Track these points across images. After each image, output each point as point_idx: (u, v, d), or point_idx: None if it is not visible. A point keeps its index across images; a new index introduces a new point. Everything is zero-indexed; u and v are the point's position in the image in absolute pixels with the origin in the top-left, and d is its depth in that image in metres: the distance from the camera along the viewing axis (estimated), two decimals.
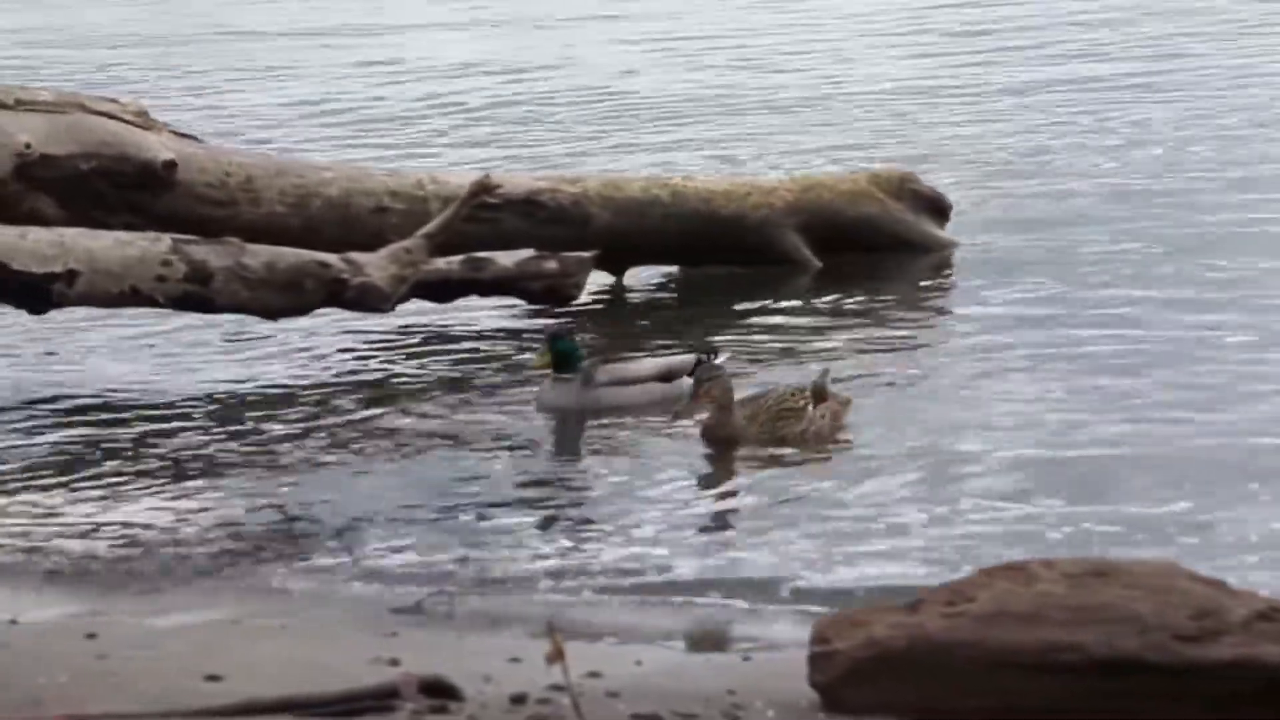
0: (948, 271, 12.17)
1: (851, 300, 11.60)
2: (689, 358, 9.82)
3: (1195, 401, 9.25)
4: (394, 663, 6.06)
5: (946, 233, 12.58)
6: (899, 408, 9.47)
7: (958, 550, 7.61)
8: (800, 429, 9.09)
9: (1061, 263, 11.81)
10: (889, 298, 11.66)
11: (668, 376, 9.84)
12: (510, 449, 9.29)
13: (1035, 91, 16.74)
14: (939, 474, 8.46)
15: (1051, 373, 9.82)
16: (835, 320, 11.29)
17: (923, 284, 11.97)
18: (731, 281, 12.12)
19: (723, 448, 9.07)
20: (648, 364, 10.05)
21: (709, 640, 7.05)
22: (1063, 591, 5.52)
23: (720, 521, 8.34)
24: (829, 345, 10.72)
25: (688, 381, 9.42)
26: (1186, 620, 5.29)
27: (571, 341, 9.81)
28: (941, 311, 11.49)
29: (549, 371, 9.73)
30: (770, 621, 7.10)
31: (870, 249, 12.37)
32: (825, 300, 11.67)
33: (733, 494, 8.60)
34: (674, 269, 12.44)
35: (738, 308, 11.61)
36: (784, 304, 11.66)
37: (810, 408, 9.14)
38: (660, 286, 12.34)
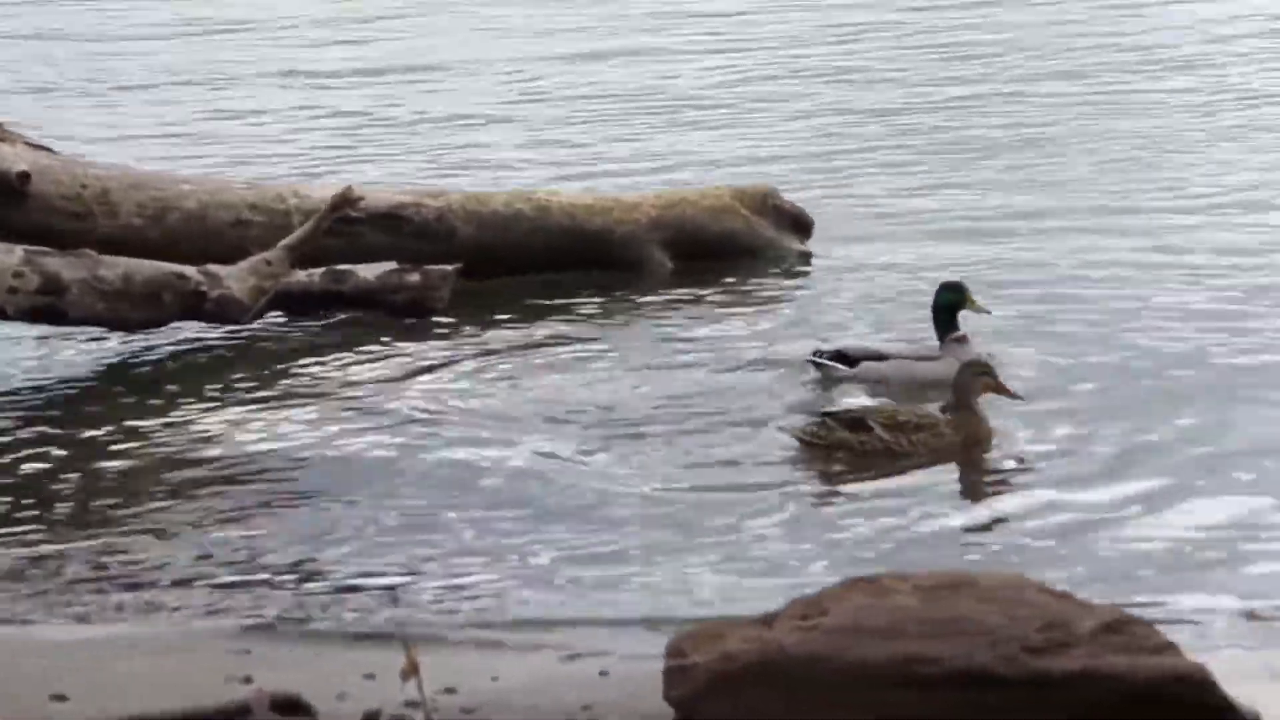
0: (801, 282, 12.25)
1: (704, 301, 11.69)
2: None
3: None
4: (247, 680, 6.00)
5: (807, 247, 12.66)
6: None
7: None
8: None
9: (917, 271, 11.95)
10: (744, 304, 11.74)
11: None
12: (362, 461, 9.22)
13: (906, 112, 16.89)
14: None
15: None
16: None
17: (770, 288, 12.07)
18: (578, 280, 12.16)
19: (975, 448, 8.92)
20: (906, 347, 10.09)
21: (568, 655, 7.02)
22: (916, 604, 5.54)
23: (577, 536, 8.33)
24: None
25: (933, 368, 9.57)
26: (1035, 632, 5.33)
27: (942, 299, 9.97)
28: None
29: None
30: (629, 635, 7.08)
31: (734, 261, 12.43)
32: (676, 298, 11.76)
33: (591, 509, 8.59)
34: None
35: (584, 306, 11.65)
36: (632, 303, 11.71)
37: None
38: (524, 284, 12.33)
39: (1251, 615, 6.96)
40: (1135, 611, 5.66)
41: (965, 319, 10.11)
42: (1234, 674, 5.55)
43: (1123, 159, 14.37)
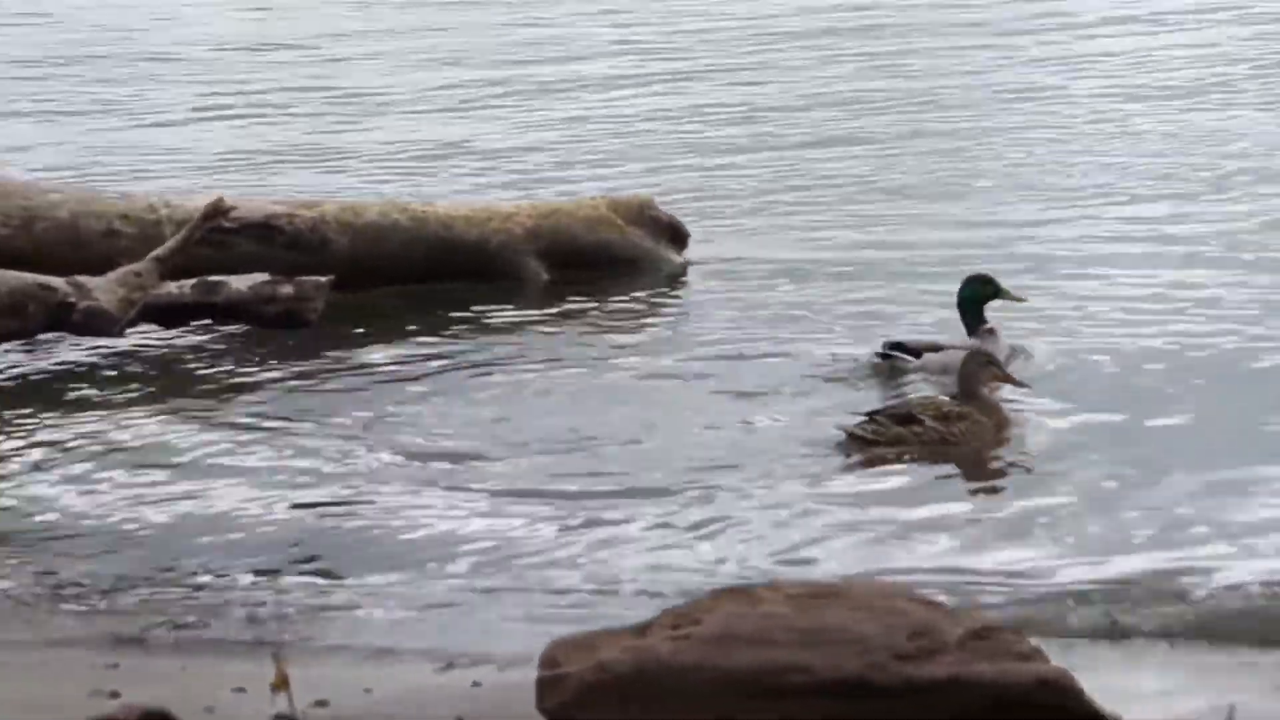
0: (678, 295, 12.29)
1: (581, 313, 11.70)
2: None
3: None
4: (114, 695, 5.93)
5: (685, 258, 12.69)
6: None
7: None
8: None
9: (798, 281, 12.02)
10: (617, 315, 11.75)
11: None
12: (231, 472, 9.14)
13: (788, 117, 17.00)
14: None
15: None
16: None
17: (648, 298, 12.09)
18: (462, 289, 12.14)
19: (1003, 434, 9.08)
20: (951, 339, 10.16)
21: (443, 665, 6.99)
22: (788, 613, 5.57)
23: (457, 540, 8.30)
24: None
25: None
26: (905, 640, 5.37)
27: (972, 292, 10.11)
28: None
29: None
30: (505, 643, 7.06)
31: (610, 272, 12.45)
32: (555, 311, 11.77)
33: (483, 514, 8.57)
34: None
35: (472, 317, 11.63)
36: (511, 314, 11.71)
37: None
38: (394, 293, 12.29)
39: (1113, 624, 7.05)
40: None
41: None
42: (1099, 678, 5.62)
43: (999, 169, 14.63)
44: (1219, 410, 9.23)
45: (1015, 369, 9.65)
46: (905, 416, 9.05)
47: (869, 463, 8.93)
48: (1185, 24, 20.24)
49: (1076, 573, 7.51)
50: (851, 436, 9.07)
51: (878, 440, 9.00)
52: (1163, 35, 19.86)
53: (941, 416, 9.04)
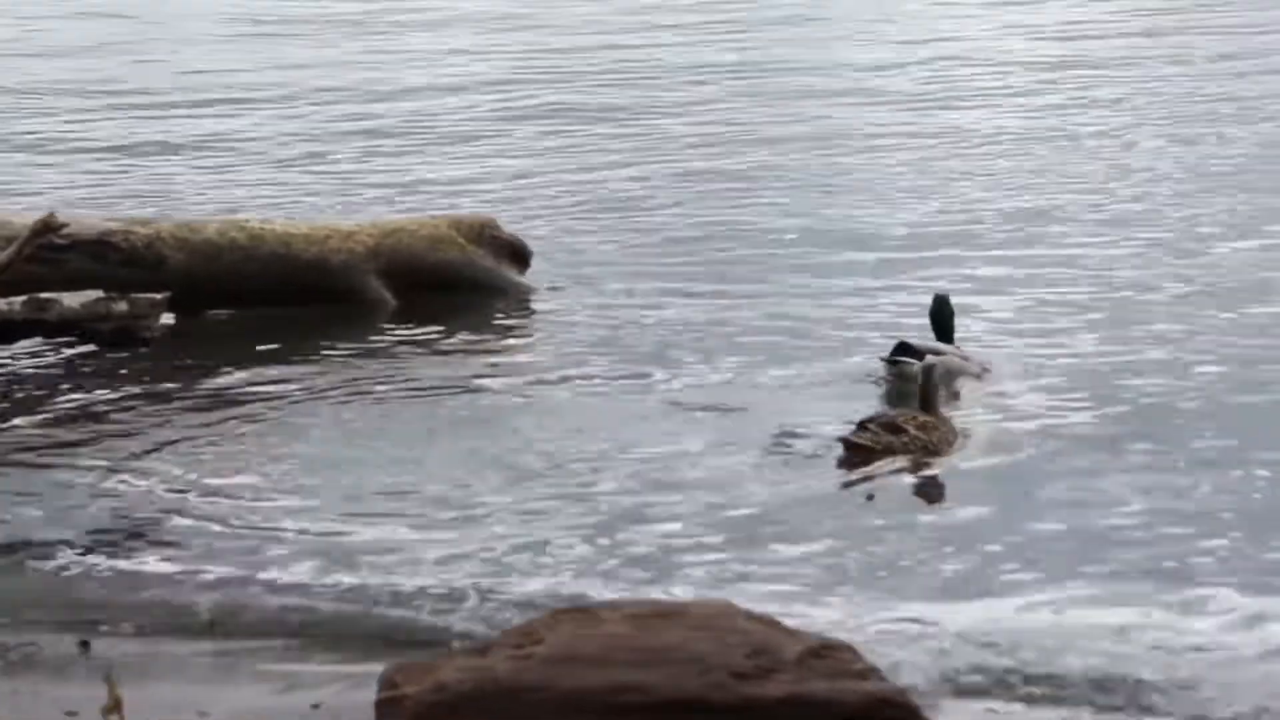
0: (523, 315, 12.29)
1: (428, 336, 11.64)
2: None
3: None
4: None
5: (526, 278, 12.69)
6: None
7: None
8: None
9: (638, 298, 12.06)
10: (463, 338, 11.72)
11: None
12: (59, 491, 9.01)
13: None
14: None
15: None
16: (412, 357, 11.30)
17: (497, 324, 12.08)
18: (305, 317, 12.03)
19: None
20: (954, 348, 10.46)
21: (285, 686, 6.92)
22: (628, 633, 5.58)
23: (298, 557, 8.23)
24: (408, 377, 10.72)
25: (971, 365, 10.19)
26: (743, 659, 5.40)
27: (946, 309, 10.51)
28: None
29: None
30: (351, 663, 7.01)
31: (451, 292, 12.42)
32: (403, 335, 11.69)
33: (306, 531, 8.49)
34: None
35: (316, 343, 11.54)
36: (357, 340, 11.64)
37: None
38: (229, 321, 12.14)
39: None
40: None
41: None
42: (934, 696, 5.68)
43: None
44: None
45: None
46: (891, 426, 9.23)
47: (851, 465, 9.07)
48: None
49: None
50: (852, 445, 9.16)
51: (875, 448, 9.13)
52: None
53: (920, 426, 9.25)
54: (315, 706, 6.54)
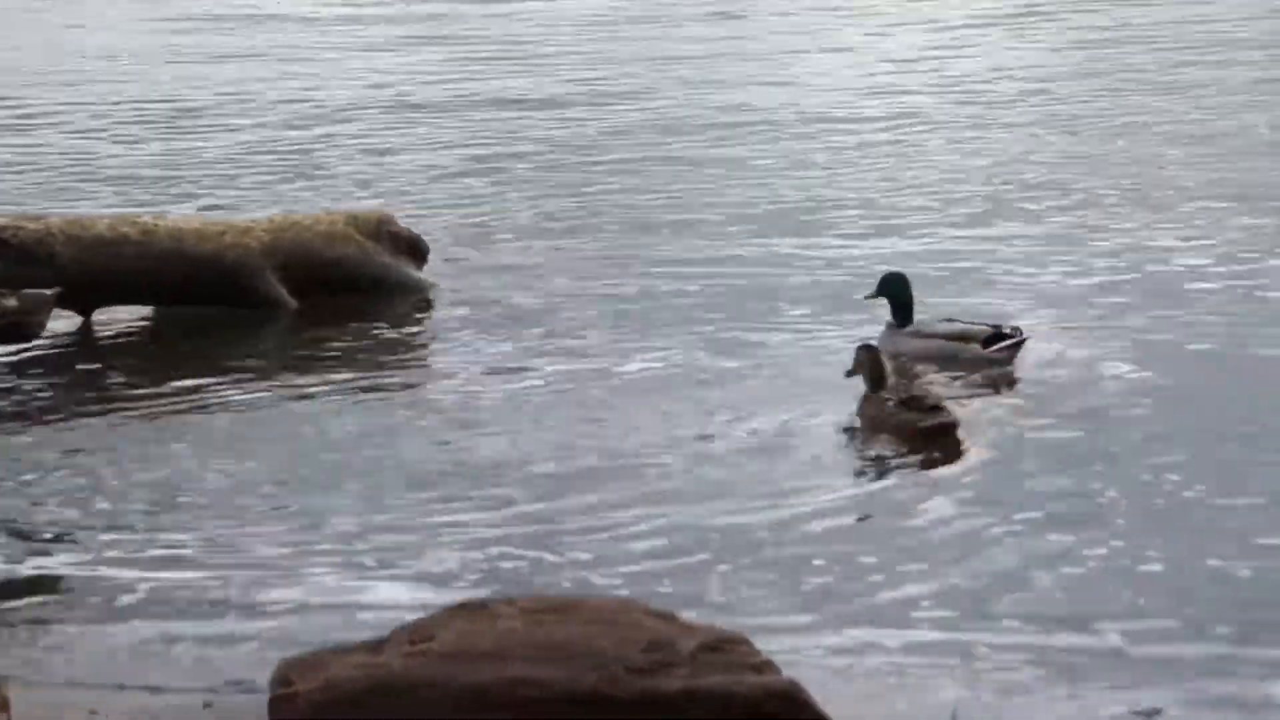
0: (424, 313, 12.23)
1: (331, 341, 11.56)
2: (983, 328, 10.56)
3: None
4: None
5: (425, 274, 12.63)
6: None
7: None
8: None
9: (541, 307, 12.02)
10: (367, 339, 11.64)
11: (961, 339, 10.52)
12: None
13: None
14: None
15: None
16: (315, 360, 11.22)
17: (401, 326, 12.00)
18: (208, 322, 11.93)
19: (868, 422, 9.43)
20: (945, 327, 10.66)
21: (175, 685, 6.85)
22: (523, 628, 5.57)
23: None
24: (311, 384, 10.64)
25: (975, 346, 10.41)
26: (639, 653, 5.40)
27: (902, 286, 10.67)
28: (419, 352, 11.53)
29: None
30: (236, 664, 6.95)
31: (348, 288, 12.34)
32: (307, 337, 11.61)
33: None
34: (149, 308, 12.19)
35: (215, 348, 11.43)
36: (262, 345, 11.53)
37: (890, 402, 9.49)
38: (130, 328, 12.02)
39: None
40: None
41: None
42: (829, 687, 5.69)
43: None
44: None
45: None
46: (925, 397, 9.47)
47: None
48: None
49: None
50: (941, 427, 9.23)
51: (955, 421, 9.31)
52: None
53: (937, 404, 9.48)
54: (207, 705, 6.48)
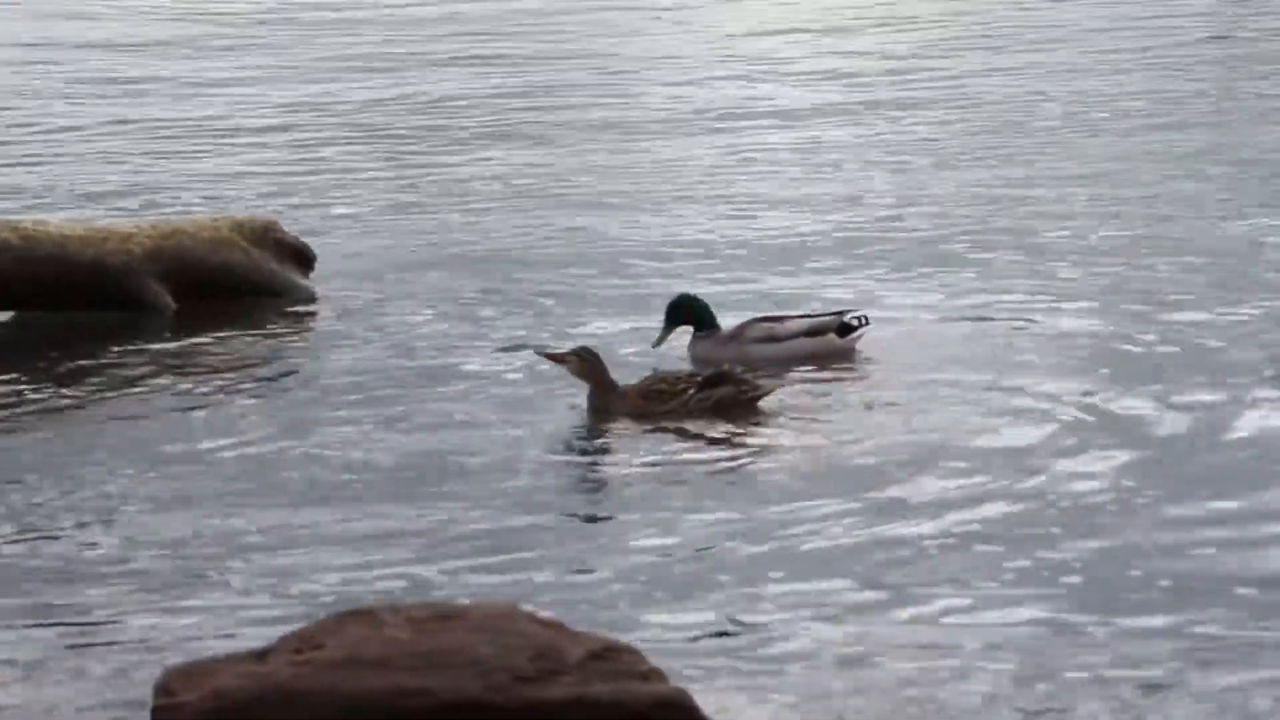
0: (308, 319, 12.18)
1: (209, 345, 11.49)
2: (833, 318, 10.66)
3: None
4: None
5: (309, 281, 12.58)
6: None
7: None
8: (663, 409, 9.71)
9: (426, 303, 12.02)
10: (245, 343, 11.57)
11: (814, 334, 10.56)
12: None
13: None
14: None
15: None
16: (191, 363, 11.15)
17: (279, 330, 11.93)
18: (84, 325, 11.82)
19: (602, 419, 9.72)
20: (795, 323, 10.63)
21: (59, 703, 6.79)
22: (409, 637, 5.57)
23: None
24: (184, 388, 10.57)
25: (833, 338, 10.52)
26: (526, 662, 5.41)
27: (696, 306, 10.65)
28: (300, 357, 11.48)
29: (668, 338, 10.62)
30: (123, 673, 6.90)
31: (233, 295, 12.26)
32: (183, 344, 11.52)
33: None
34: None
35: (92, 352, 11.33)
36: (140, 347, 11.45)
37: (690, 390, 9.74)
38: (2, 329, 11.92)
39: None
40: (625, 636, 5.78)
41: None
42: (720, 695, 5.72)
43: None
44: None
45: None
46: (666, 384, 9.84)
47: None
48: None
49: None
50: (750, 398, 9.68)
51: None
52: None
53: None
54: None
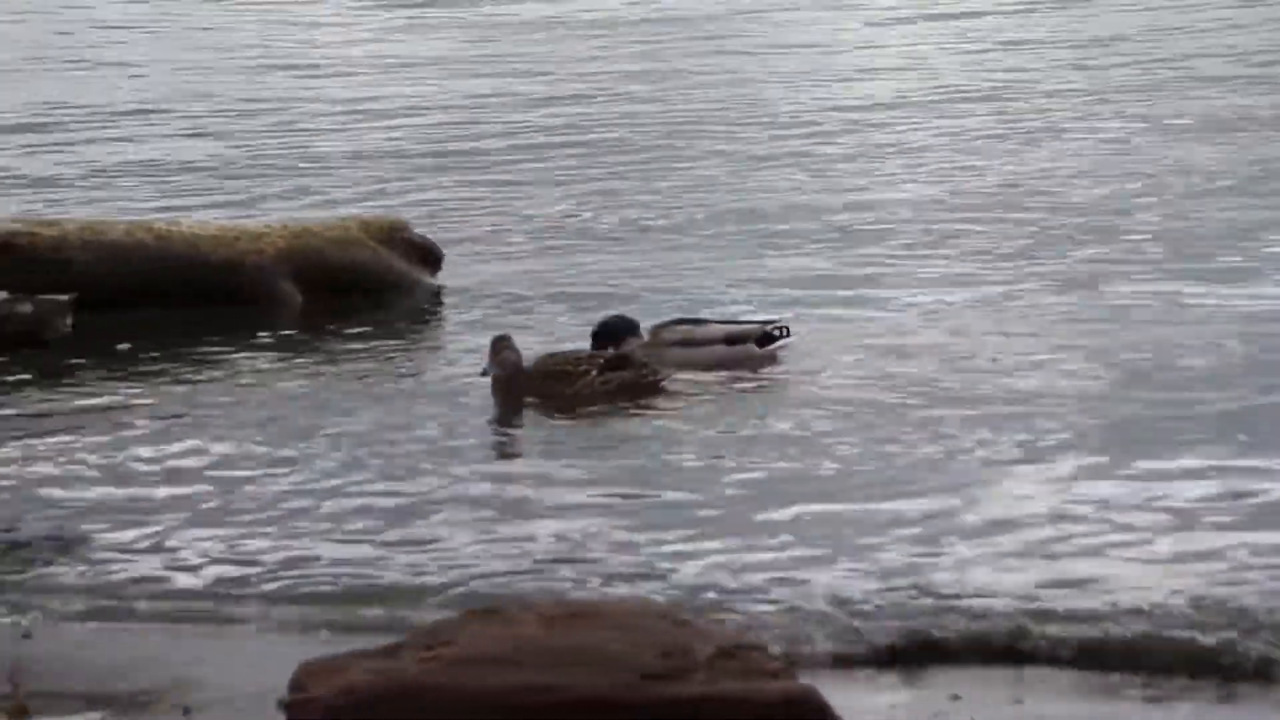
0: (435, 316, 12.25)
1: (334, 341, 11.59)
2: (755, 327, 10.60)
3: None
4: None
5: (438, 280, 12.65)
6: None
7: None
8: (570, 390, 9.87)
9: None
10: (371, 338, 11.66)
11: (733, 341, 10.52)
12: None
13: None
14: None
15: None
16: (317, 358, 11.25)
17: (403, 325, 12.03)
18: (216, 321, 11.95)
19: (509, 400, 9.89)
20: (715, 329, 10.62)
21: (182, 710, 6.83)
22: (539, 634, 5.57)
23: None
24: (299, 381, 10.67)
25: (752, 347, 10.45)
26: (656, 659, 5.39)
27: (625, 321, 10.57)
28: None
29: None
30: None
31: (361, 293, 12.36)
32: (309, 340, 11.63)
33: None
34: None
35: (223, 344, 11.46)
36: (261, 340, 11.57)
37: (592, 372, 9.88)
38: (127, 324, 12.05)
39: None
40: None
41: None
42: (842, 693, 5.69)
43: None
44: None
45: None
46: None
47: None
48: None
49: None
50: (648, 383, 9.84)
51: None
52: None
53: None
54: (186, 711, 6.45)
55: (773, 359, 10.54)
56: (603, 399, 9.88)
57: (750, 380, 10.25)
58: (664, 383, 10.05)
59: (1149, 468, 8.70)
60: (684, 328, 10.61)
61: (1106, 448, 8.92)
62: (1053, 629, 6.95)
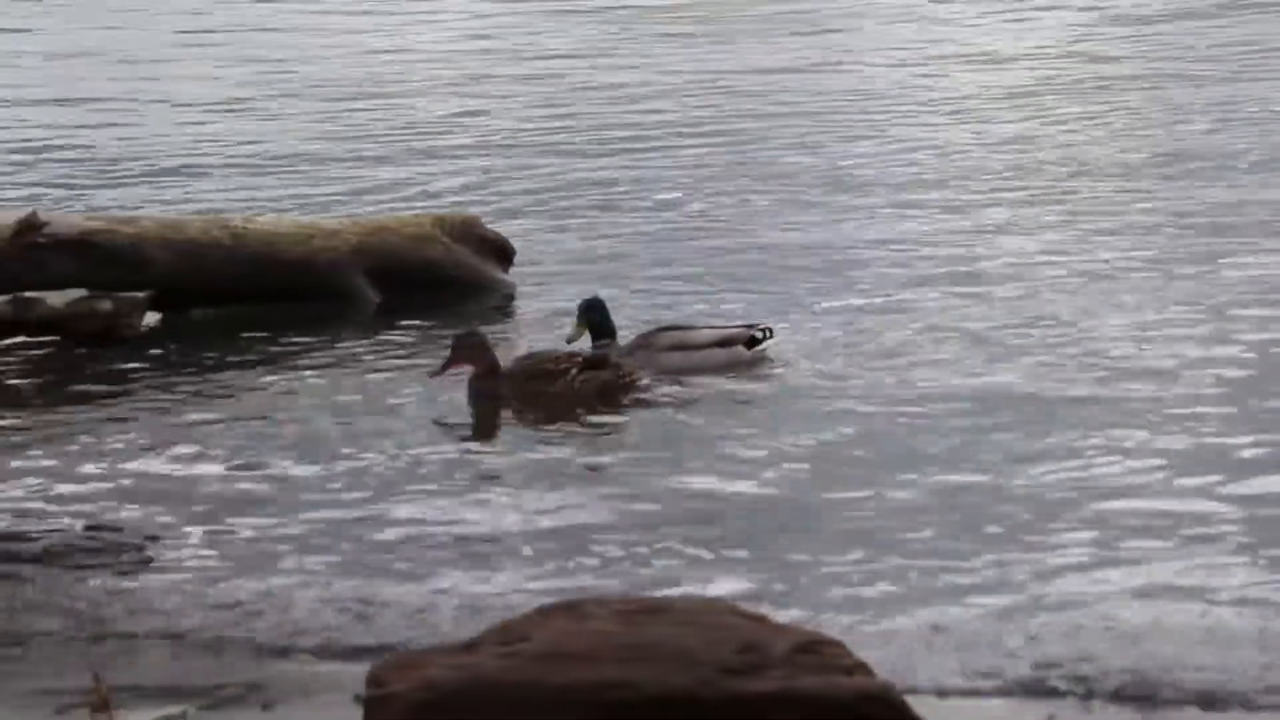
0: (507, 313, 12.29)
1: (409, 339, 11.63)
2: (744, 330, 10.59)
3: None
4: None
5: (511, 276, 12.69)
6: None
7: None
8: (551, 389, 9.92)
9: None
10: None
11: (725, 344, 10.53)
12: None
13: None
14: None
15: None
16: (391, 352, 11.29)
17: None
18: (292, 317, 12.02)
19: (488, 403, 9.90)
20: (706, 333, 10.63)
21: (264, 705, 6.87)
22: (616, 629, 5.58)
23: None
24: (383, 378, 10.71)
25: (742, 350, 10.43)
26: (733, 655, 5.40)
27: (604, 311, 10.55)
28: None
29: (582, 340, 10.51)
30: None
31: (435, 289, 12.41)
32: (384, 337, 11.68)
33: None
34: None
35: (299, 342, 11.53)
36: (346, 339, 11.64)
37: (573, 371, 9.93)
38: (204, 322, 12.13)
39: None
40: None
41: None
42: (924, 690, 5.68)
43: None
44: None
45: None
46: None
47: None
48: None
49: None
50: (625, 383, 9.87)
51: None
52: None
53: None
54: (267, 707, 6.49)
55: (761, 361, 10.50)
56: (582, 399, 9.88)
57: (757, 382, 10.15)
58: (640, 384, 10.05)
59: None
60: (676, 333, 10.58)
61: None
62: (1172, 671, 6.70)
